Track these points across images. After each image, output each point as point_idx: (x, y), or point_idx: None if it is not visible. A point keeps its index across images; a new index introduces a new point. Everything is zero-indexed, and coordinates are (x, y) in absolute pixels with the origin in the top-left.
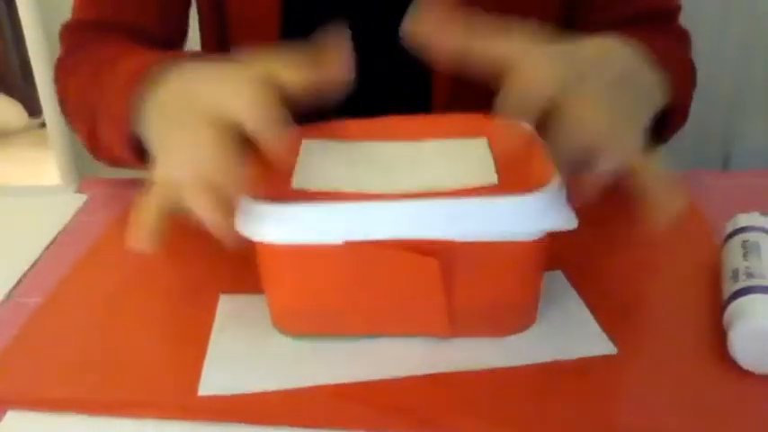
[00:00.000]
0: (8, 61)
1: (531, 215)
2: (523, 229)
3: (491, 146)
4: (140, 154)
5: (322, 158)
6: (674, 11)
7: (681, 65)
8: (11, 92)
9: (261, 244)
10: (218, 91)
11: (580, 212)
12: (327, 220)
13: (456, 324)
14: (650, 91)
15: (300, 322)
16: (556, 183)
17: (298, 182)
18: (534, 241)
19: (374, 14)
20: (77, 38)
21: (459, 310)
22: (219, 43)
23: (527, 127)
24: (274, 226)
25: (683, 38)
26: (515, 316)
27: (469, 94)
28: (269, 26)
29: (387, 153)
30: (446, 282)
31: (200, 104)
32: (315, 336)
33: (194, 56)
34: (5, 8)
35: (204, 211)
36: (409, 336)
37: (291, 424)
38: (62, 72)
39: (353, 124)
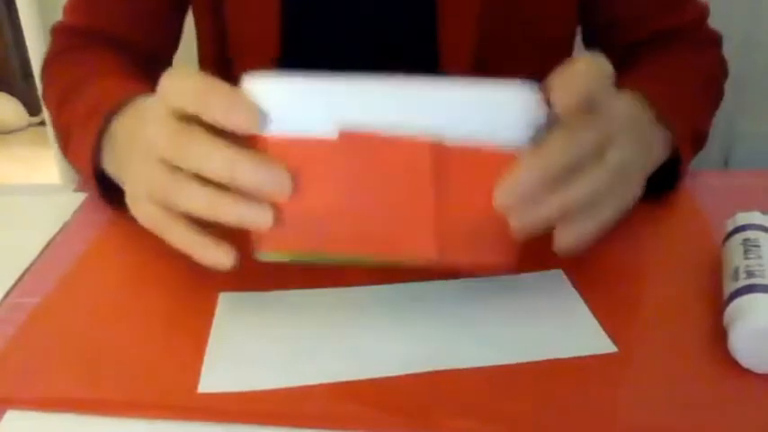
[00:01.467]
0: (8, 61)
1: (523, 105)
2: (514, 119)
3: None
4: (104, 189)
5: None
6: (699, 18)
7: (691, 116)
8: (11, 91)
9: (253, 141)
10: (163, 90)
11: None
12: (318, 98)
13: (442, 245)
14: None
15: (285, 235)
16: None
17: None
18: (521, 149)
19: (376, 20)
20: (67, 40)
21: (446, 227)
22: (218, 52)
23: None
24: (269, 105)
25: (711, 42)
26: (499, 243)
27: None
28: (269, 36)
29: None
30: (436, 186)
31: (146, 119)
32: (297, 255)
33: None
34: (5, 8)
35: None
36: (397, 263)
37: (291, 423)
38: (46, 74)
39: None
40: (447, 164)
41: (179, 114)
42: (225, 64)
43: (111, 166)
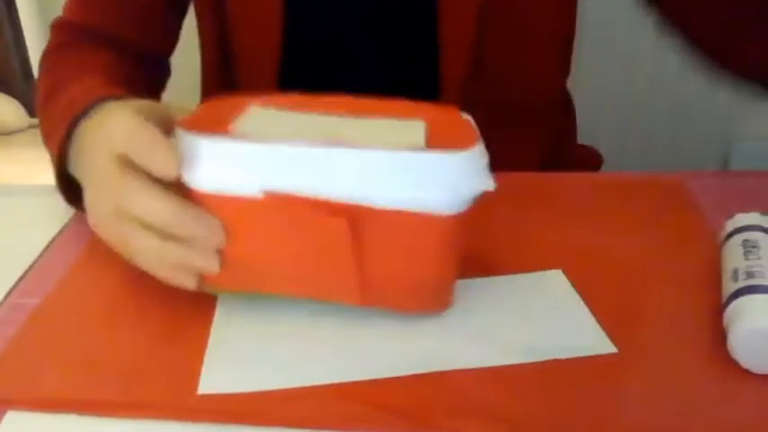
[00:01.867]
0: (8, 61)
1: (448, 176)
2: (439, 191)
3: (428, 127)
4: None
5: (262, 119)
6: None
7: None
8: (11, 92)
9: (190, 192)
10: (104, 130)
11: (580, 211)
12: (245, 158)
13: (368, 294)
14: None
15: (223, 276)
16: (477, 148)
17: (233, 130)
18: (450, 216)
19: (376, 20)
20: (63, 36)
21: (372, 280)
22: (220, 53)
23: (467, 117)
24: (199, 161)
25: None
26: (429, 294)
27: (477, 106)
28: (271, 35)
29: (322, 121)
30: (359, 249)
31: (97, 150)
32: (237, 292)
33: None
34: (5, 8)
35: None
36: (326, 303)
37: (291, 423)
38: (41, 69)
39: (302, 98)
40: (369, 225)
41: (120, 158)
42: (227, 64)
43: (74, 171)
